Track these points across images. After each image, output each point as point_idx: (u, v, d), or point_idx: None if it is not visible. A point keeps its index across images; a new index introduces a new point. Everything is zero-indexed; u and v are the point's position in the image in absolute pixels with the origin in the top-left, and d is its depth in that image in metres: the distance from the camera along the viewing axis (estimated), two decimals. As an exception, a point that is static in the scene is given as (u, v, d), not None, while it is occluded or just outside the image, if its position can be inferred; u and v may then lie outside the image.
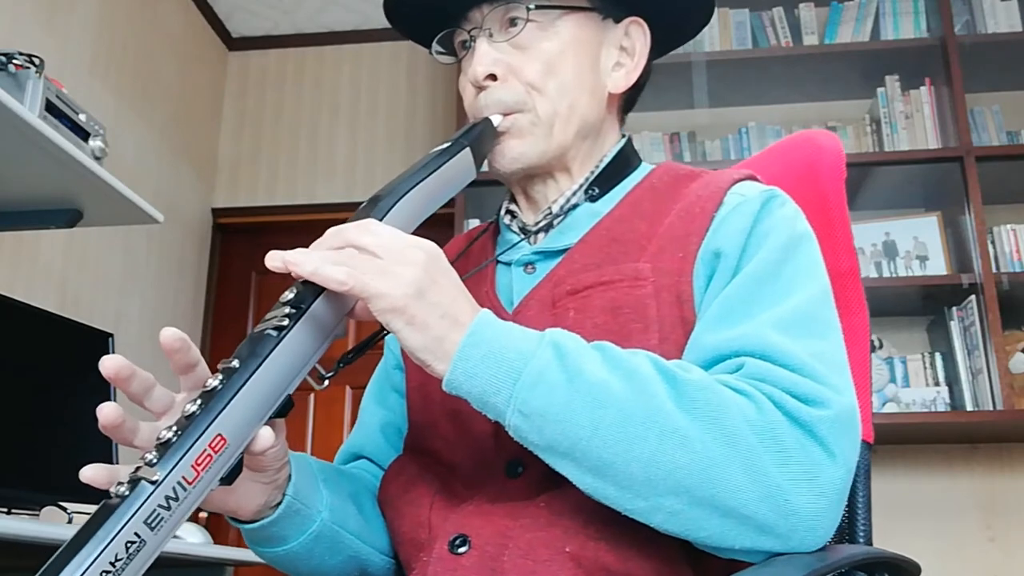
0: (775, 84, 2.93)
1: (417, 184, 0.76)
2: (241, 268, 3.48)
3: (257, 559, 0.83)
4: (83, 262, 2.60)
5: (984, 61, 2.74)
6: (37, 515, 1.47)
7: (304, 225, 3.42)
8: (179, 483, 0.58)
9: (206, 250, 3.44)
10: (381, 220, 0.71)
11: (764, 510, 0.63)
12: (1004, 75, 2.83)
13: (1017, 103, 2.91)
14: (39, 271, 2.40)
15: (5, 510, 1.56)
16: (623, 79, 0.91)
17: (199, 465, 0.59)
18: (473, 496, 0.78)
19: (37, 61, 1.55)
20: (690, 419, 0.64)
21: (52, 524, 1.35)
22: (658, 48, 0.95)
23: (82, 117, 1.65)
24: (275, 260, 0.65)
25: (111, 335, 2.02)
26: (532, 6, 0.85)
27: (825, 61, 2.84)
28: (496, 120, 0.85)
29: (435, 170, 0.78)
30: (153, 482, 0.57)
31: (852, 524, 0.83)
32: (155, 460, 0.58)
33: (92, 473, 0.62)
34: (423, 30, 0.93)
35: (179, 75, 3.22)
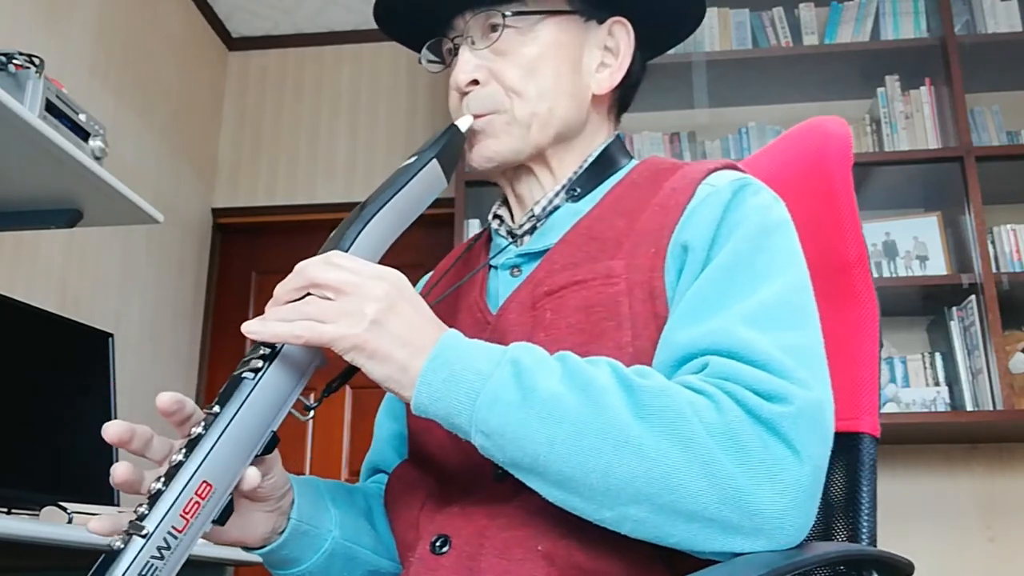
0: (775, 84, 2.93)
1: (384, 206, 0.77)
2: (241, 268, 3.48)
3: (257, 559, 0.84)
4: (83, 262, 2.60)
5: (984, 61, 2.74)
6: (37, 515, 1.47)
7: (304, 225, 3.43)
8: (170, 533, 0.60)
9: (206, 250, 3.44)
10: (349, 248, 0.73)
11: (726, 512, 0.63)
12: (1004, 75, 2.83)
13: (1017, 103, 2.91)
14: (39, 271, 2.40)
15: (5, 510, 1.56)
16: (607, 79, 0.91)
17: (187, 513, 0.62)
18: (461, 498, 0.79)
19: (37, 61, 1.55)
20: (646, 427, 0.64)
21: (52, 524, 1.35)
22: (652, 48, 0.96)
23: (82, 117, 1.65)
24: (243, 330, 0.68)
25: (111, 335, 2.02)
26: (509, 12, 0.86)
27: (825, 61, 2.84)
28: (465, 124, 0.86)
29: (401, 188, 0.79)
30: (144, 536, 0.59)
31: (856, 521, 0.82)
32: (145, 512, 0.60)
33: (98, 525, 0.65)
34: (413, 38, 0.95)
35: (179, 75, 3.22)
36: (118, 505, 1.86)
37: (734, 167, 0.87)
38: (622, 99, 0.96)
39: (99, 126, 1.69)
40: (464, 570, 0.72)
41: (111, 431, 0.66)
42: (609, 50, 0.92)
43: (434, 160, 0.81)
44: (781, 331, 0.70)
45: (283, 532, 0.78)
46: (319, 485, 0.86)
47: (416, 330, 0.69)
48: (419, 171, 0.80)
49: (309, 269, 0.69)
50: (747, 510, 0.63)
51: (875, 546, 0.81)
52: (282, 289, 0.70)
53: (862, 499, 0.83)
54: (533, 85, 0.86)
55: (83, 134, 1.65)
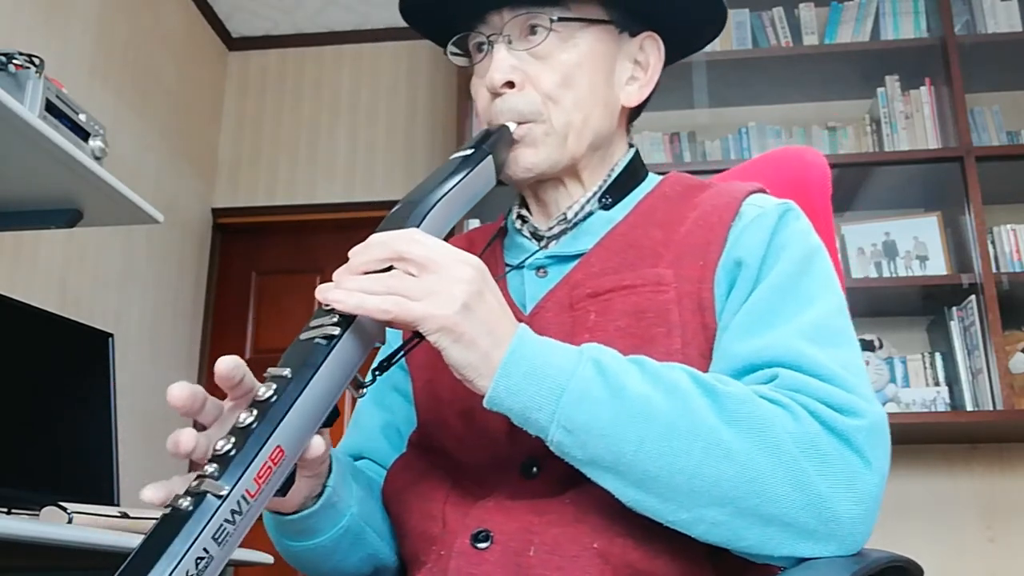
0: (775, 84, 2.93)
1: (448, 192, 0.75)
2: (241, 268, 3.48)
3: (257, 559, 0.83)
4: (83, 262, 2.60)
5: (984, 61, 2.74)
6: (37, 515, 1.47)
7: (304, 225, 3.43)
8: (243, 497, 0.58)
9: (206, 250, 3.44)
10: (419, 226, 0.71)
11: (806, 518, 0.65)
12: (1004, 75, 2.83)
13: (1017, 103, 2.91)
14: (39, 271, 2.40)
15: (5, 510, 1.56)
16: (636, 93, 0.92)
17: (261, 478, 0.59)
18: (489, 493, 0.78)
19: (37, 61, 1.55)
20: (733, 431, 0.66)
21: (52, 524, 1.35)
22: (669, 57, 0.96)
23: (82, 117, 1.65)
24: (320, 295, 0.66)
25: (111, 335, 2.02)
26: (556, 17, 0.85)
27: (825, 61, 2.84)
28: (511, 128, 0.85)
29: (463, 178, 0.77)
30: (219, 496, 0.56)
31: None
32: (218, 473, 0.57)
33: (152, 493, 0.62)
34: (438, 30, 0.93)
35: (179, 75, 3.22)
36: (118, 504, 1.86)
37: (764, 190, 0.88)
38: (636, 110, 0.97)
39: (99, 126, 1.69)
40: (512, 566, 0.72)
41: (176, 393, 0.64)
42: (639, 64, 0.92)
43: (490, 156, 0.80)
44: (835, 348, 0.73)
45: (319, 498, 0.77)
46: (340, 459, 0.84)
47: (498, 320, 0.68)
48: (479, 164, 0.79)
49: (396, 242, 0.67)
50: (826, 516, 0.65)
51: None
52: (360, 258, 0.67)
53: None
54: (570, 94, 0.86)
55: (83, 134, 1.65)
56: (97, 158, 1.65)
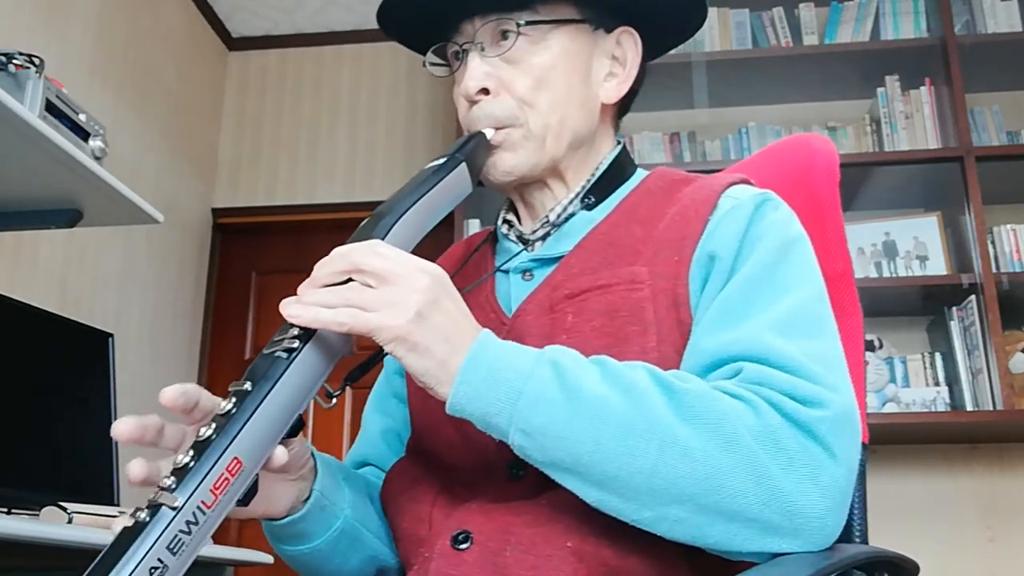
0: (775, 84, 2.93)
1: (417, 201, 0.77)
2: (241, 268, 3.48)
3: (257, 559, 0.84)
4: (83, 262, 2.60)
5: (984, 61, 2.74)
6: (37, 515, 1.47)
7: (304, 225, 3.43)
8: (199, 508, 0.59)
9: (206, 250, 3.44)
10: (383, 239, 0.72)
11: (768, 513, 0.64)
12: (1004, 75, 2.83)
13: (1017, 103, 2.91)
14: (39, 271, 2.40)
15: (5, 510, 1.56)
16: (615, 89, 0.92)
17: (217, 489, 0.61)
18: (475, 496, 0.79)
19: (37, 61, 1.55)
20: (690, 428, 0.65)
21: (52, 524, 1.35)
22: (653, 51, 0.96)
23: (82, 117, 1.65)
24: (281, 309, 0.67)
25: (111, 335, 2.02)
26: (523, 21, 0.86)
27: (825, 61, 2.84)
28: (489, 134, 0.85)
29: (433, 186, 0.79)
30: (174, 508, 0.58)
31: (848, 524, 0.83)
32: (174, 485, 0.59)
33: (137, 469, 0.64)
34: (416, 40, 0.95)
35: (179, 75, 3.22)
36: (118, 504, 1.86)
37: (748, 181, 0.88)
38: (623, 105, 0.97)
39: (99, 126, 1.69)
40: (489, 566, 0.72)
41: (121, 430, 0.65)
42: (617, 60, 0.92)
43: (464, 163, 0.82)
44: (806, 339, 0.72)
45: (307, 501, 0.78)
46: (332, 463, 0.86)
47: (456, 326, 0.69)
48: (450, 172, 0.80)
49: (355, 254, 0.68)
50: (789, 511, 0.65)
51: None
52: (322, 271, 0.69)
53: (854, 502, 0.84)
54: (545, 96, 0.86)
55: (83, 134, 1.65)
56: (97, 158, 1.65)
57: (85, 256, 2.61)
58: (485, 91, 0.86)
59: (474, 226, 2.81)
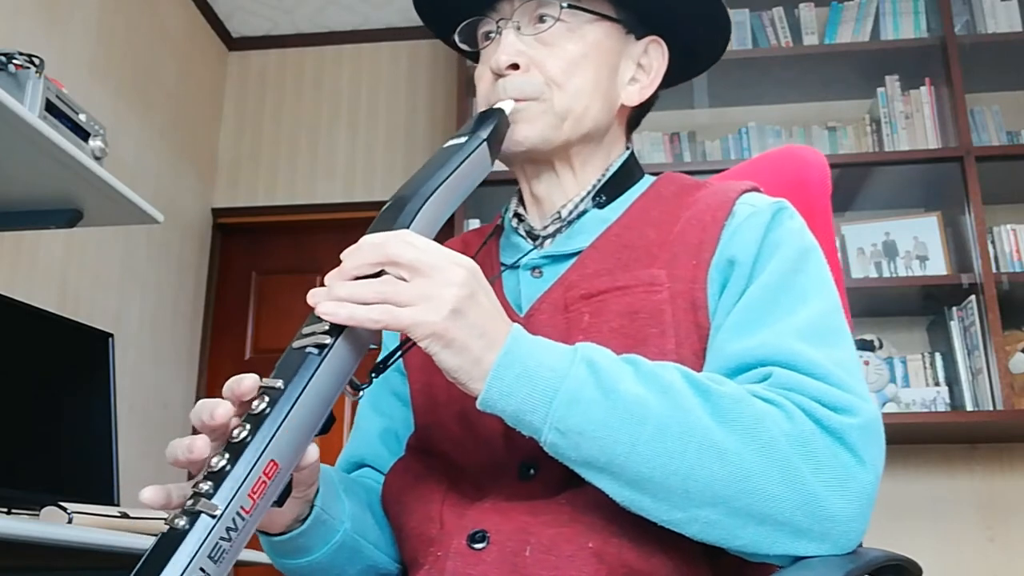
0: (775, 84, 2.93)
1: (441, 184, 0.75)
2: (241, 268, 3.48)
3: (257, 559, 0.83)
4: (83, 262, 2.60)
5: (984, 61, 2.74)
6: (37, 515, 1.47)
7: (304, 225, 3.42)
8: (238, 514, 0.58)
9: (206, 250, 3.44)
10: (409, 226, 0.70)
11: (800, 517, 0.65)
12: (1004, 75, 2.83)
13: (1017, 103, 2.91)
14: (39, 271, 2.40)
15: (5, 510, 1.56)
16: (636, 94, 0.93)
17: (255, 493, 0.59)
18: (486, 495, 0.78)
19: (37, 61, 1.55)
20: (726, 431, 0.66)
21: (52, 524, 1.35)
22: (669, 78, 0.97)
23: (82, 117, 1.65)
24: (311, 302, 0.66)
25: (111, 335, 2.02)
26: (565, 5, 0.87)
27: (825, 61, 2.84)
28: (508, 107, 0.85)
29: (456, 168, 0.76)
30: (214, 516, 0.56)
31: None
32: (211, 491, 0.57)
33: (151, 495, 0.62)
34: (449, 19, 0.94)
35: (179, 75, 3.22)
36: (118, 504, 1.86)
37: (759, 189, 0.89)
38: (635, 118, 0.98)
39: (99, 126, 1.69)
40: (508, 566, 0.71)
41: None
42: (642, 67, 0.93)
43: (485, 143, 0.80)
44: (829, 347, 0.73)
45: (305, 520, 0.77)
46: (331, 474, 0.85)
47: (491, 321, 0.68)
48: (473, 151, 0.78)
49: (389, 245, 0.66)
50: (820, 515, 0.65)
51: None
52: (352, 262, 0.67)
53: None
54: (574, 81, 0.87)
55: (83, 134, 1.64)
56: (97, 158, 1.65)
57: (85, 256, 2.61)
58: (515, 67, 0.87)
59: (474, 225, 2.80)
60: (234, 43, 3.65)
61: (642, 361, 0.70)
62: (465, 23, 0.93)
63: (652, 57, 0.94)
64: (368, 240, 0.67)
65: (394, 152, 3.44)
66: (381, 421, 0.97)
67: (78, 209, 1.76)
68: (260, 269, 3.47)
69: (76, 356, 1.91)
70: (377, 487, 0.92)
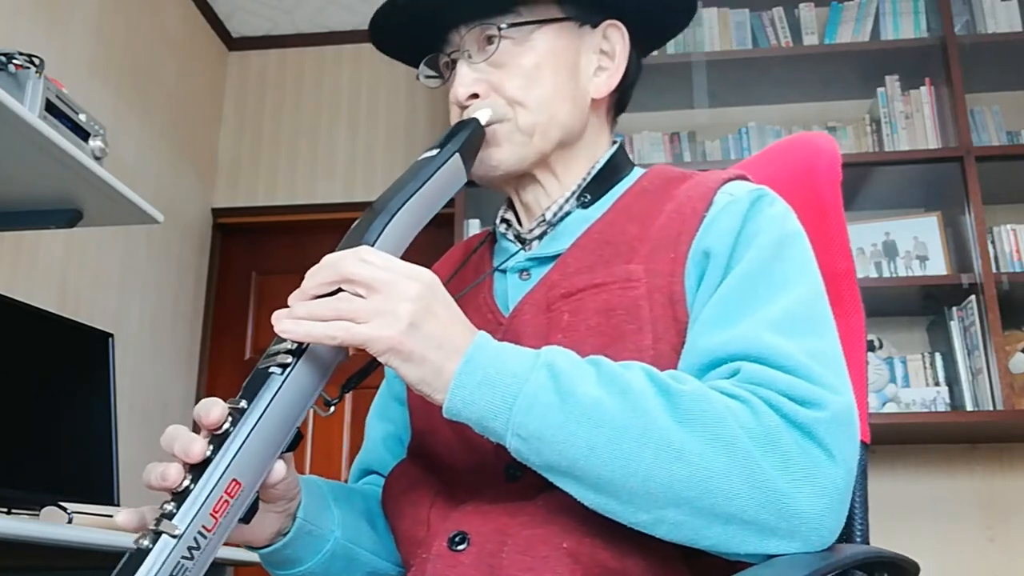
0: (775, 84, 2.93)
1: (409, 199, 0.76)
2: (241, 268, 3.48)
3: (257, 559, 0.84)
4: (83, 262, 2.60)
5: (984, 61, 2.74)
6: (37, 515, 1.47)
7: (304, 225, 3.43)
8: (200, 533, 0.59)
9: (206, 250, 3.44)
10: (375, 242, 0.72)
11: (765, 515, 0.64)
12: (1004, 75, 2.83)
13: (1017, 103, 2.91)
14: (39, 271, 2.40)
15: (5, 510, 1.56)
16: (605, 83, 0.92)
17: (217, 512, 0.60)
18: (473, 498, 0.79)
19: (37, 61, 1.55)
20: (686, 431, 0.65)
21: (52, 524, 1.35)
22: (647, 46, 0.96)
23: (82, 117, 1.65)
24: (273, 322, 0.67)
25: (111, 335, 2.02)
26: (504, 24, 0.86)
27: (825, 61, 2.84)
28: (484, 116, 0.85)
29: (426, 181, 0.77)
30: (175, 536, 0.57)
31: (849, 524, 0.83)
32: (174, 511, 0.59)
33: (125, 519, 0.64)
34: (408, 55, 0.96)
35: (179, 75, 3.22)
36: (118, 504, 1.86)
37: (746, 177, 0.87)
38: (620, 100, 0.97)
39: (99, 126, 1.69)
40: (485, 567, 0.72)
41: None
42: (605, 53, 0.92)
43: (457, 154, 0.80)
44: (805, 337, 0.71)
45: (288, 533, 0.78)
46: (321, 485, 0.86)
47: (450, 332, 0.68)
48: (443, 164, 0.79)
49: (343, 264, 0.67)
50: (786, 512, 0.64)
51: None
52: (311, 282, 0.68)
53: (855, 502, 0.83)
54: (533, 94, 0.87)
55: (83, 134, 1.65)
56: (97, 158, 1.65)
57: (85, 256, 2.61)
58: (475, 96, 0.87)
59: (474, 226, 2.81)
60: (234, 43, 3.65)
61: (605, 362, 0.69)
62: (425, 60, 0.94)
63: (613, 41, 0.92)
64: (326, 259, 0.69)
65: (394, 152, 3.44)
66: (385, 427, 0.98)
67: (78, 209, 1.76)
68: (260, 269, 3.47)
69: (76, 356, 1.91)
70: (380, 493, 0.92)
